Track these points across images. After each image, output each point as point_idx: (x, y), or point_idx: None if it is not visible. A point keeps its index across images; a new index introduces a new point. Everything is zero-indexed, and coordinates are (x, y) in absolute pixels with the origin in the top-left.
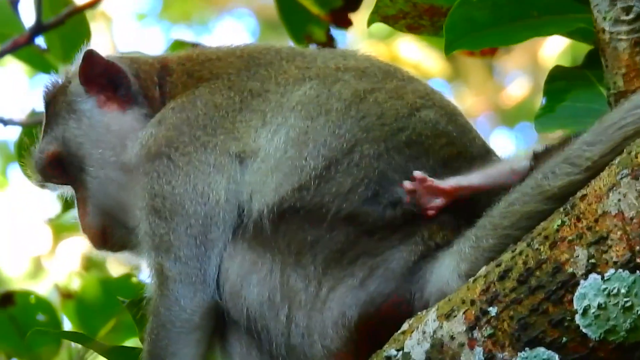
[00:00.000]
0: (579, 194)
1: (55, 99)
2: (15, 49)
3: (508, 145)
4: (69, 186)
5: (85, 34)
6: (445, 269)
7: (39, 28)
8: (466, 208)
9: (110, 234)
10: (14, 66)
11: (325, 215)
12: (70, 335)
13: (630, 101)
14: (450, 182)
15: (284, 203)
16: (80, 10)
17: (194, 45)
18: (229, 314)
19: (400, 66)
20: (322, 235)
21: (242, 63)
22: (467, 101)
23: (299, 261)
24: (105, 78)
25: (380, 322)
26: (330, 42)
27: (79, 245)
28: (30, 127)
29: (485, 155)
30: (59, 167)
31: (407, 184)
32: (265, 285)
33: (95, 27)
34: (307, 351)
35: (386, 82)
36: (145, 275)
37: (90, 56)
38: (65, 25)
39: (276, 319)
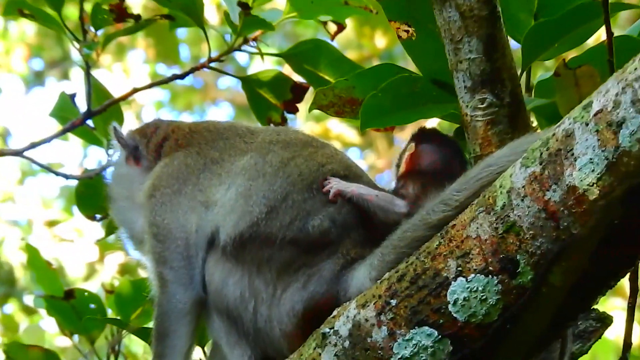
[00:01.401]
0: (450, 224)
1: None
2: (72, 128)
3: None
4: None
5: (121, 117)
6: (361, 275)
7: (89, 113)
8: (372, 234)
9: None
10: (73, 140)
11: (275, 241)
12: (112, 320)
13: (484, 161)
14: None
15: (244, 234)
16: (117, 101)
17: None
18: (215, 305)
19: (315, 137)
20: (274, 253)
21: (211, 136)
22: (375, 161)
23: (260, 271)
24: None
25: (319, 312)
26: (283, 122)
27: (118, 258)
28: (84, 179)
29: None
30: None
31: (326, 185)
32: (237, 287)
33: (128, 112)
34: (269, 333)
35: (303, 150)
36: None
37: (114, 132)
38: (107, 111)
39: (246, 310)
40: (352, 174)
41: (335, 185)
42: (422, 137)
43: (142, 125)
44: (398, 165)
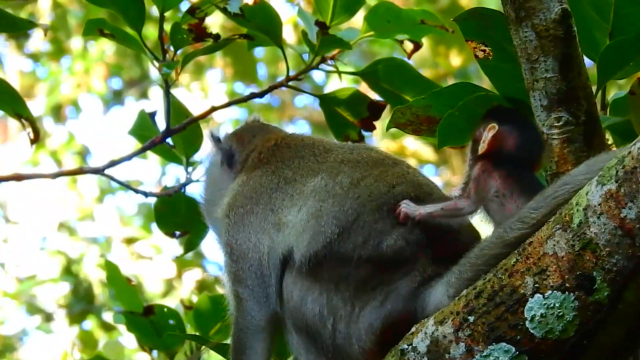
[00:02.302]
0: (527, 241)
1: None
2: (152, 146)
3: None
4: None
5: (200, 136)
6: (439, 292)
7: (169, 132)
8: (448, 251)
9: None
10: (152, 158)
11: (350, 260)
12: (191, 337)
13: (561, 180)
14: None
15: (319, 254)
16: (196, 120)
17: None
18: (294, 322)
19: (389, 154)
20: (351, 272)
21: (289, 154)
22: (450, 178)
23: (338, 288)
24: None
25: (396, 329)
26: (361, 139)
27: (195, 275)
28: (163, 197)
29: None
30: None
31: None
32: (316, 304)
33: (206, 130)
34: (347, 349)
35: (374, 169)
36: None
37: (213, 137)
38: (186, 130)
39: (325, 327)
40: (422, 193)
41: (403, 208)
42: (503, 115)
43: (242, 128)
44: (474, 148)
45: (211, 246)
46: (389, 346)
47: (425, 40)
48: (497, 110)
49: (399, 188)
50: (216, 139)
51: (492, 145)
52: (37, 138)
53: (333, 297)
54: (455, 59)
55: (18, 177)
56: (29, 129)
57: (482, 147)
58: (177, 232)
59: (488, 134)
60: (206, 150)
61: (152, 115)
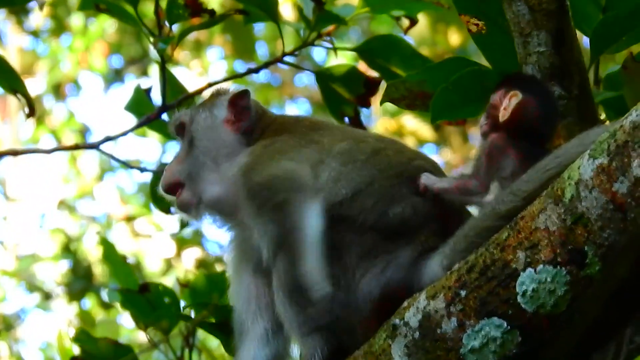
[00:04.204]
0: (519, 215)
1: (209, 100)
2: (148, 122)
3: None
4: (179, 141)
5: None
6: (434, 263)
7: (164, 108)
8: (448, 224)
9: (178, 190)
10: (151, 137)
11: (355, 224)
12: (184, 317)
13: (553, 153)
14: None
15: (329, 212)
16: (192, 95)
17: None
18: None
19: (400, 141)
20: (354, 238)
21: (312, 125)
22: (450, 157)
23: (340, 255)
24: (241, 109)
25: (394, 299)
26: (357, 116)
27: (195, 253)
28: (159, 173)
29: None
30: (181, 131)
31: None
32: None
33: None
34: (345, 319)
35: (393, 145)
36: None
37: (244, 94)
38: (181, 105)
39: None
40: (438, 170)
41: (423, 180)
42: (525, 83)
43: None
44: (492, 115)
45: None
46: (385, 318)
47: (423, 19)
48: (518, 77)
49: (417, 162)
50: (248, 104)
51: (515, 115)
52: (32, 113)
53: (335, 264)
54: (454, 38)
55: (14, 152)
56: (25, 105)
57: (503, 115)
58: (173, 209)
59: (510, 101)
60: (207, 105)
61: (148, 91)
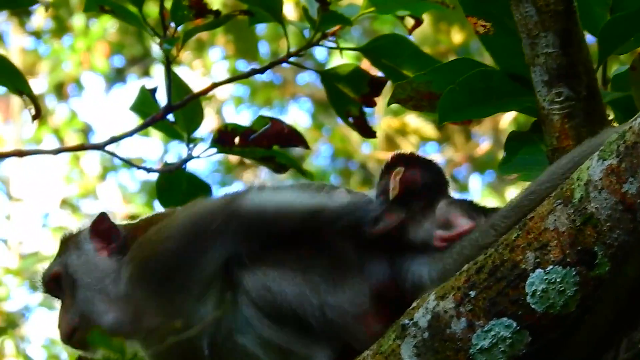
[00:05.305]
0: (529, 216)
1: (71, 239)
2: (153, 122)
3: (479, 184)
4: (57, 299)
5: (200, 112)
6: (423, 272)
7: (169, 108)
8: None
9: (77, 334)
10: (154, 136)
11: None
12: None
13: (566, 157)
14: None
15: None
16: (197, 96)
17: (272, 120)
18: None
19: None
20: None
21: (168, 214)
22: (453, 155)
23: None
24: (106, 233)
25: (387, 291)
26: (362, 115)
27: None
28: (165, 173)
29: None
30: (56, 283)
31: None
32: (293, 286)
33: (208, 108)
34: (341, 320)
35: None
36: None
37: (102, 218)
38: (186, 106)
39: (310, 305)
40: None
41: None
42: (408, 160)
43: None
44: (383, 192)
45: None
46: (386, 317)
47: (426, 18)
48: (401, 156)
49: None
50: (113, 226)
51: (403, 187)
52: (38, 114)
53: (309, 274)
54: (457, 36)
55: (19, 153)
56: (31, 106)
57: (393, 194)
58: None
59: (395, 178)
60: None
61: (153, 91)
